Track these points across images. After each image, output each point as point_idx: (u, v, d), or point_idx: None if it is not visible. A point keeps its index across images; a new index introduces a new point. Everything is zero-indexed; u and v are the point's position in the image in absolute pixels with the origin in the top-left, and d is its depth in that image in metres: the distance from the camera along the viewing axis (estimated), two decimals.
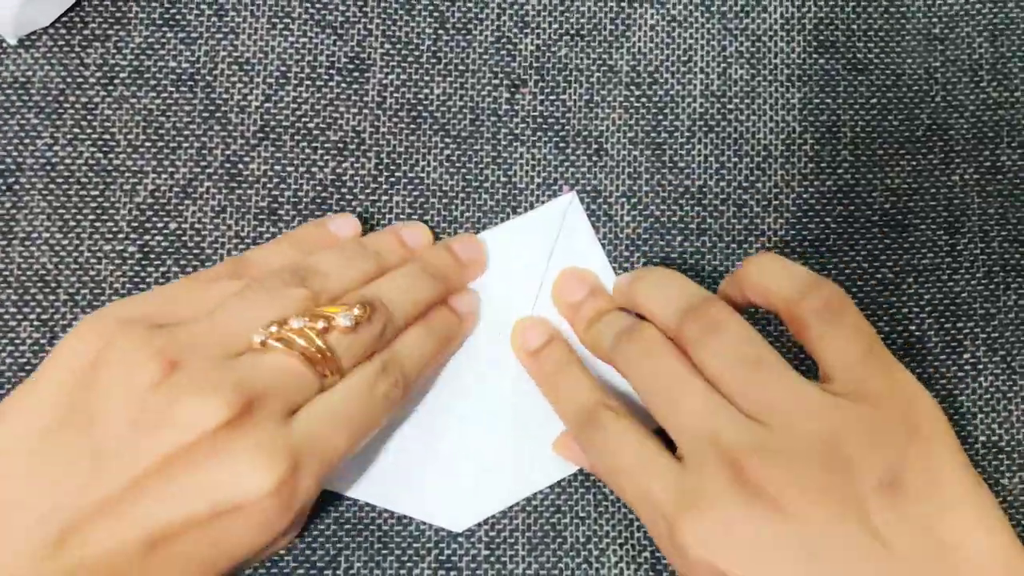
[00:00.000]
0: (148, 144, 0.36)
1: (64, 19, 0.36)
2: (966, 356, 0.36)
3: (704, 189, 0.37)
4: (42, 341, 0.34)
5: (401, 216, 0.36)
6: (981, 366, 0.36)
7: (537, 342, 0.34)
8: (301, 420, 0.29)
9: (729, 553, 0.26)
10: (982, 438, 0.35)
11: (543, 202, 0.36)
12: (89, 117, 0.36)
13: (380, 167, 0.36)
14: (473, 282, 0.35)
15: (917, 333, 0.36)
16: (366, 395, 0.30)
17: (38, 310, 0.35)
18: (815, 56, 0.38)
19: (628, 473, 0.29)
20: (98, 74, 0.36)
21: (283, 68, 0.37)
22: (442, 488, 0.34)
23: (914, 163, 0.37)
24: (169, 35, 0.37)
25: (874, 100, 0.38)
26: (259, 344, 0.29)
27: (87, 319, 0.29)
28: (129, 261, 0.35)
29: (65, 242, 0.35)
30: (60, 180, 0.35)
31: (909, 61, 0.38)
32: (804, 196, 0.37)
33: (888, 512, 0.26)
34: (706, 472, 0.27)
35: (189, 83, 0.36)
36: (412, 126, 0.37)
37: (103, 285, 0.35)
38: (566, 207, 0.36)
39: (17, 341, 0.34)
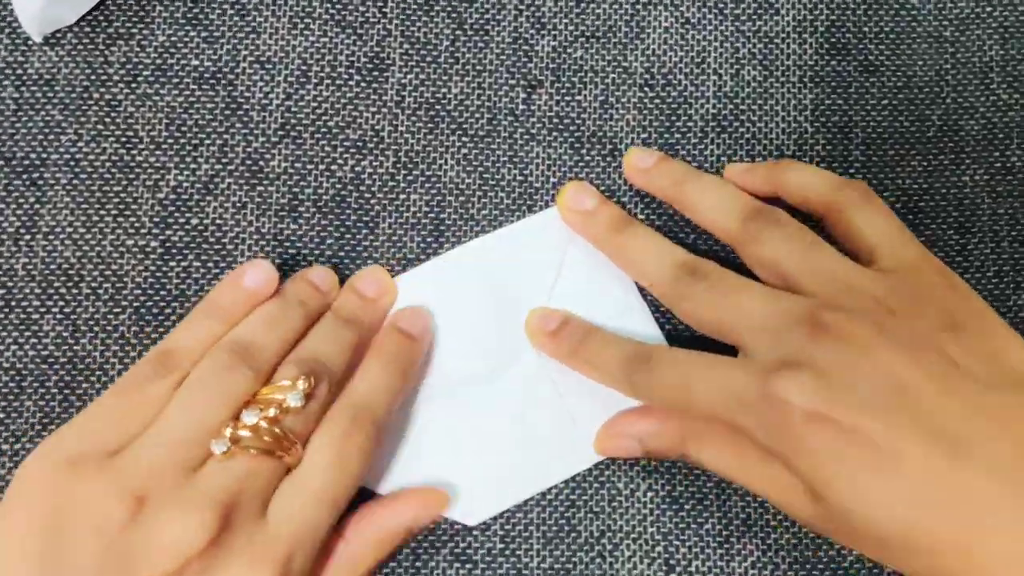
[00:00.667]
0: (170, 141, 0.37)
1: (88, 17, 0.37)
2: None
3: None
4: (64, 334, 0.35)
5: (419, 214, 0.37)
6: None
7: (555, 324, 0.35)
8: (280, 511, 0.29)
9: (831, 395, 0.26)
10: None
11: None
12: (112, 114, 0.36)
13: (398, 165, 0.37)
14: (391, 309, 0.35)
15: None
16: (338, 459, 0.30)
17: (61, 303, 0.35)
18: (827, 58, 0.38)
19: (703, 382, 0.29)
20: (122, 72, 0.37)
21: (304, 67, 0.37)
22: (457, 482, 0.35)
23: (925, 164, 0.38)
24: (192, 34, 0.37)
25: (885, 101, 0.38)
26: (221, 455, 0.28)
27: (31, 463, 0.29)
28: (151, 256, 0.36)
29: (88, 236, 0.36)
30: (83, 176, 0.36)
31: (920, 63, 0.38)
32: None
33: (957, 346, 0.27)
34: (784, 341, 0.28)
35: (211, 81, 0.37)
36: (430, 125, 0.37)
37: (125, 280, 0.35)
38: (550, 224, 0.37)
39: (40, 334, 0.35)
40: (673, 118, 0.38)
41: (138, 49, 0.37)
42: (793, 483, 0.28)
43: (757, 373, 0.28)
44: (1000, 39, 0.39)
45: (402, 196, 0.37)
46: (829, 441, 0.26)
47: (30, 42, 0.37)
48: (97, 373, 0.35)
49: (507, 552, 0.34)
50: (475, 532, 0.34)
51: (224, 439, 0.29)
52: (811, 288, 0.30)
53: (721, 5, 0.39)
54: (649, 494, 0.35)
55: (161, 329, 0.35)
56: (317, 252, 0.36)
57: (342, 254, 0.36)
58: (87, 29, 0.37)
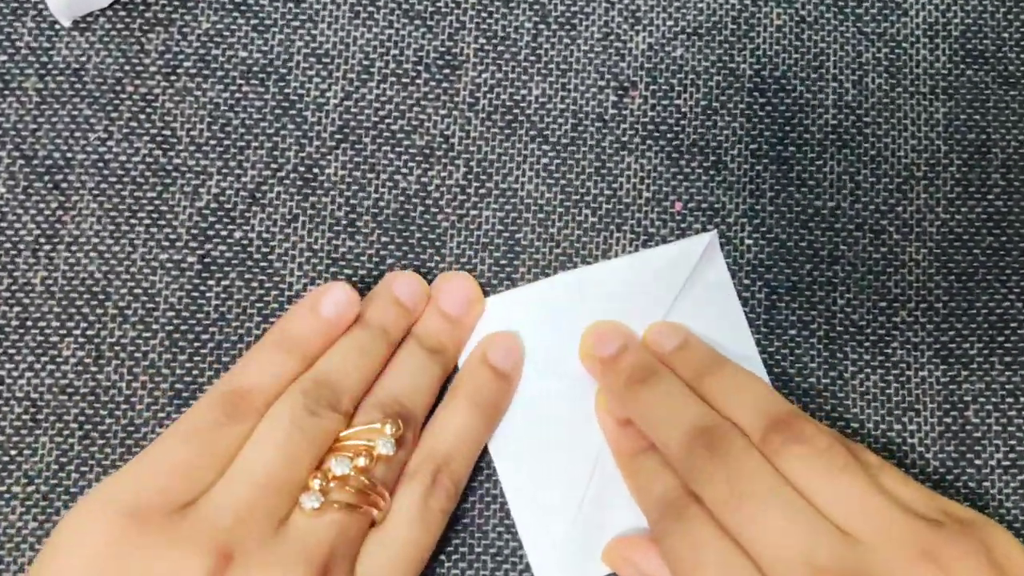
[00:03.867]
0: (213, 142, 0.32)
1: (124, 0, 0.33)
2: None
3: (836, 212, 0.32)
4: (86, 360, 0.31)
5: (491, 232, 0.32)
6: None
7: (614, 348, 0.30)
8: (370, 570, 0.27)
9: None
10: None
11: (652, 219, 0.32)
12: (148, 110, 0.32)
13: (470, 176, 0.32)
14: (475, 330, 0.31)
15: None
16: (419, 519, 0.28)
17: (83, 325, 0.31)
18: (962, 67, 0.34)
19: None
20: (160, 62, 0.32)
21: (365, 62, 0.33)
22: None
23: None
24: (240, 21, 0.33)
25: None
26: (313, 510, 0.26)
27: (84, 515, 0.25)
28: (187, 273, 0.31)
29: (116, 249, 0.31)
30: (113, 179, 0.32)
31: None
32: (950, 223, 0.33)
33: None
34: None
35: (261, 76, 0.33)
36: (507, 131, 0.33)
37: (157, 299, 0.31)
38: (703, 248, 0.32)
39: (59, 360, 0.31)
40: (787, 128, 0.33)
41: (179, 37, 0.33)
42: None
43: None
44: None
45: (473, 212, 0.32)
46: None
47: (57, 26, 0.32)
48: (123, 407, 0.30)
49: None
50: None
51: (316, 493, 0.26)
52: (838, 523, 0.25)
53: (842, 3, 0.34)
54: None
55: (197, 357, 0.31)
56: (376, 272, 0.32)
57: None
58: (122, 14, 0.33)
